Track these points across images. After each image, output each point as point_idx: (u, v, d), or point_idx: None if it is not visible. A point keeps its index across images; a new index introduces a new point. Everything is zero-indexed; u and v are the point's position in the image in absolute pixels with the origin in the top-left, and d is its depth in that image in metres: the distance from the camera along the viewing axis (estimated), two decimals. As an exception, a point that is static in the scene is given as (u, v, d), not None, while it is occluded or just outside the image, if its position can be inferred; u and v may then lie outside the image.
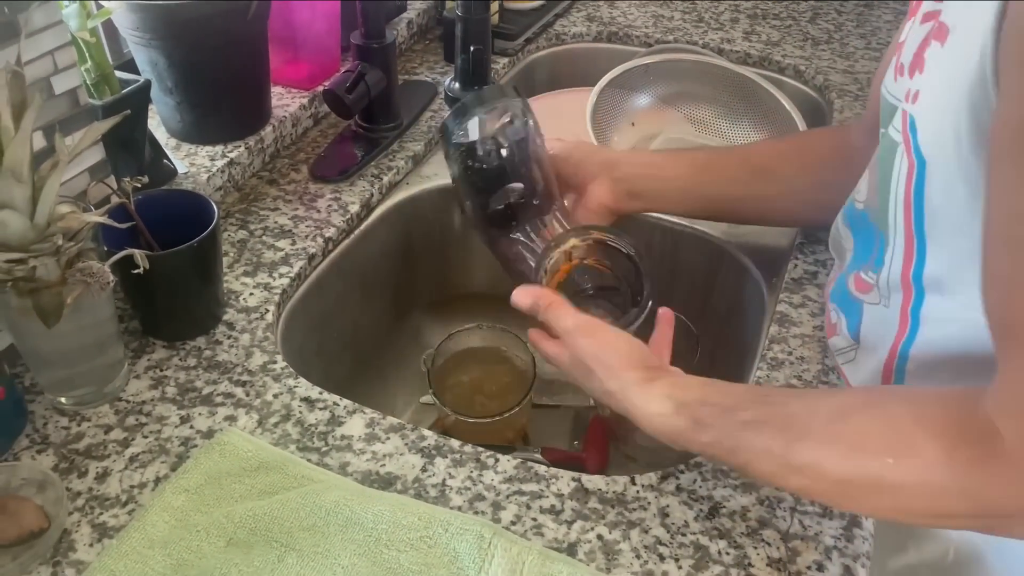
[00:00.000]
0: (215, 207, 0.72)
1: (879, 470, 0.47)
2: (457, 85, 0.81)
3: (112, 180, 0.75)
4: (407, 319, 1.06)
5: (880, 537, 0.70)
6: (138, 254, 0.63)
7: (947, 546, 0.66)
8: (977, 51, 0.47)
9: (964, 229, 0.52)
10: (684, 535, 0.60)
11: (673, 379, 0.59)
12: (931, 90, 0.53)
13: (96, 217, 0.61)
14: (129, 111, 0.66)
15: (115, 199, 0.69)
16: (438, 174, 1.00)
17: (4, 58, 0.63)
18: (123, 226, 0.64)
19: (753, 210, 0.81)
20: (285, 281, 0.81)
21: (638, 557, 0.59)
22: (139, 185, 0.69)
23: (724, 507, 0.62)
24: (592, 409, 0.98)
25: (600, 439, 0.94)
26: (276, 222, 0.89)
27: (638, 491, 0.63)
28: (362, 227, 0.93)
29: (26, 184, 0.56)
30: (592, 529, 0.61)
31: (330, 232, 0.88)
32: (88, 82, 0.77)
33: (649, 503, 0.63)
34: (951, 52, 0.51)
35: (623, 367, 0.59)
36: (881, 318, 0.62)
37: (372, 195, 0.94)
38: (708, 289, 0.96)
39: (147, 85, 0.81)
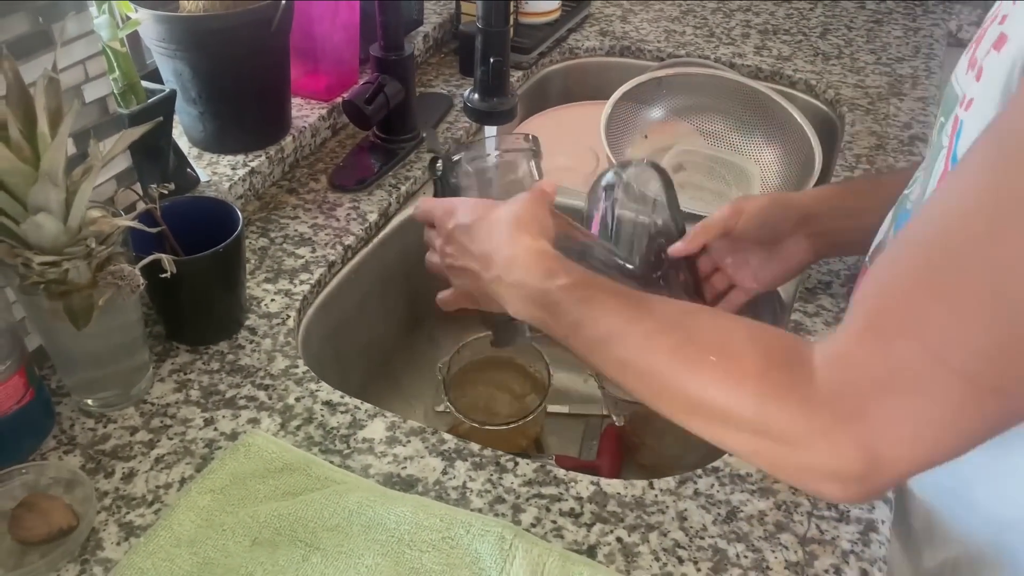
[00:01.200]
0: (239, 214, 0.73)
1: (699, 363, 0.50)
2: (476, 96, 0.83)
3: (138, 187, 0.77)
4: (423, 327, 1.07)
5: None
6: (165, 259, 0.64)
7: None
8: (1010, 60, 0.47)
9: None
10: (702, 538, 0.61)
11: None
12: (979, 99, 0.52)
13: (127, 221, 0.62)
14: (161, 118, 0.67)
15: (141, 205, 0.70)
16: (454, 184, 1.01)
17: (39, 66, 0.65)
18: (153, 230, 0.66)
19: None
20: (305, 288, 0.83)
21: (657, 559, 0.60)
22: (165, 192, 0.70)
23: (741, 511, 0.63)
24: (606, 418, 0.99)
25: (614, 447, 0.95)
26: (296, 230, 0.90)
27: (656, 495, 0.64)
28: (380, 236, 0.94)
29: (61, 188, 0.57)
30: (611, 532, 0.61)
31: (349, 240, 0.89)
32: (116, 91, 0.78)
33: (667, 507, 0.63)
34: (1000, 62, 0.50)
35: (505, 215, 0.63)
36: None
37: (390, 204, 0.95)
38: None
39: (172, 95, 0.82)
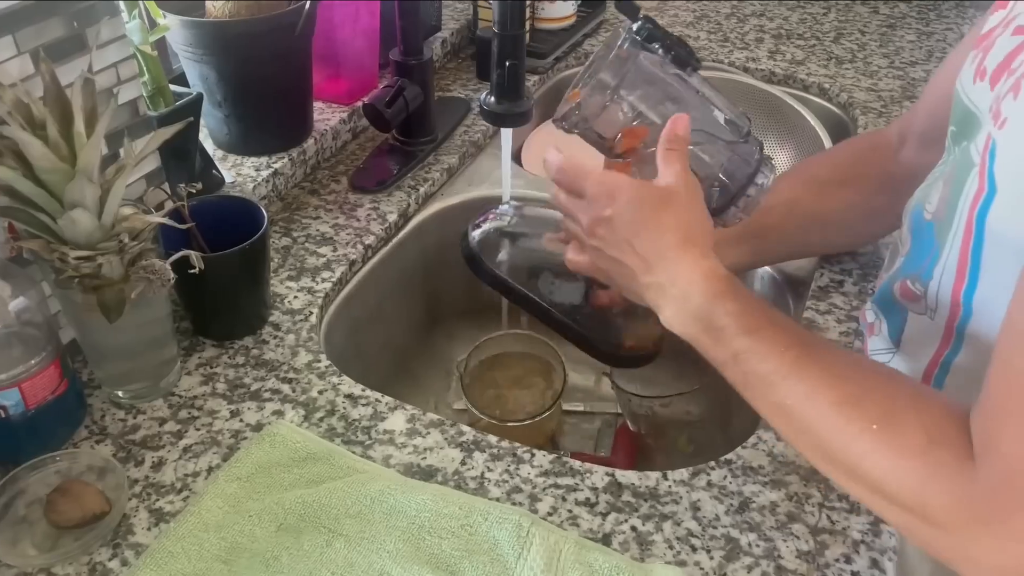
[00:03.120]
0: (264, 213, 0.75)
1: (859, 429, 0.49)
2: (493, 99, 0.85)
3: (167, 187, 0.79)
4: (441, 325, 1.09)
5: None
6: (194, 255, 0.67)
7: None
8: None
9: (1020, 259, 0.51)
10: (715, 528, 0.63)
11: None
12: (1017, 119, 0.52)
13: (158, 218, 0.65)
14: (192, 118, 0.69)
15: (170, 204, 0.73)
16: (472, 185, 1.04)
17: (74, 69, 0.67)
18: (182, 227, 0.68)
19: (806, 253, 0.89)
20: (327, 285, 0.85)
21: (671, 548, 0.61)
22: (194, 191, 0.72)
23: (754, 502, 0.64)
24: (620, 416, 1.00)
25: (628, 445, 0.96)
26: (318, 230, 0.92)
27: (670, 486, 0.66)
28: (399, 236, 0.96)
29: (96, 185, 0.59)
30: (626, 521, 0.63)
31: (369, 240, 0.91)
32: (145, 95, 0.81)
33: (681, 497, 0.65)
34: None
35: (675, 223, 0.59)
36: (925, 329, 0.63)
37: (409, 205, 0.98)
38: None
39: (199, 98, 0.85)
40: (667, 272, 0.59)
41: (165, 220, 0.65)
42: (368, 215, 0.95)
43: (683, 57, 0.64)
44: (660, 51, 0.64)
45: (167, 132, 0.63)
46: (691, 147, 0.63)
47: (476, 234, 0.76)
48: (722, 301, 0.56)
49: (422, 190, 1.00)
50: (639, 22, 0.64)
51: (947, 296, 0.60)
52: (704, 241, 0.60)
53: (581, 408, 1.03)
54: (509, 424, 0.89)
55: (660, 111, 0.64)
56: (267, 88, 0.92)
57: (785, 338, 0.54)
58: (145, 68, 0.80)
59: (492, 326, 1.01)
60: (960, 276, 0.59)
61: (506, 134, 0.87)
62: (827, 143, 1.09)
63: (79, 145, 0.59)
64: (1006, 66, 0.56)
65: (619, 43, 0.63)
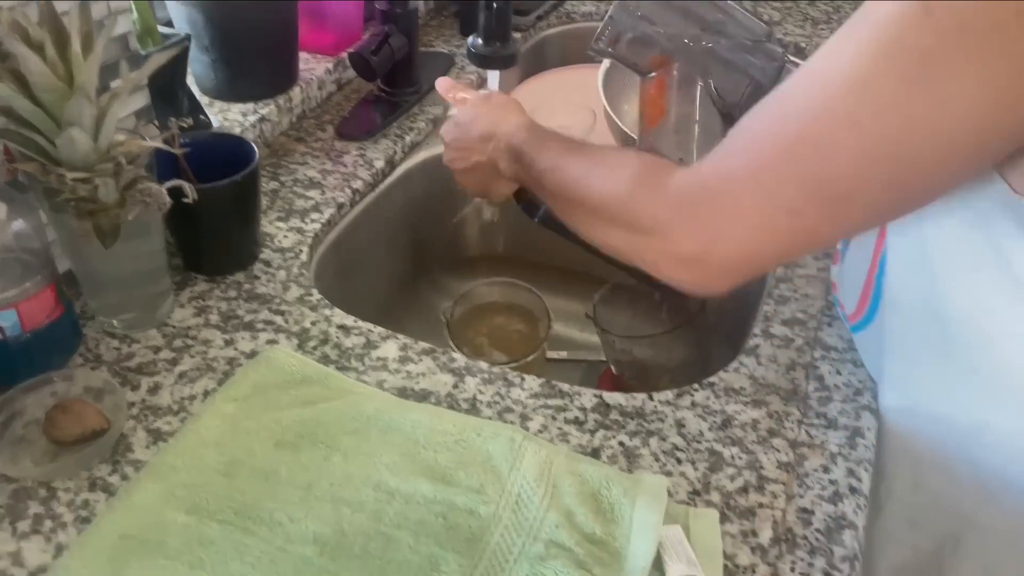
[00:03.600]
0: (255, 148, 0.76)
1: (591, 174, 0.64)
2: (480, 41, 0.86)
3: (157, 123, 0.79)
4: (427, 274, 1.11)
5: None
6: (187, 185, 0.68)
7: None
8: None
9: None
10: (699, 443, 0.65)
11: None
12: None
13: (153, 143, 0.65)
14: (188, 42, 0.70)
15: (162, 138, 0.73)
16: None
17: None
18: (178, 151, 0.68)
19: None
20: (317, 226, 0.86)
21: (657, 460, 0.63)
22: (185, 126, 0.73)
23: (736, 420, 0.67)
24: (604, 363, 1.03)
25: (611, 388, 0.99)
26: (305, 175, 0.93)
27: (656, 406, 0.68)
28: (387, 182, 0.97)
29: (94, 104, 0.60)
30: (614, 437, 0.65)
31: (357, 184, 0.92)
32: (135, 31, 0.81)
33: (666, 416, 0.67)
34: None
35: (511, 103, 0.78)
36: (859, 237, 0.68)
37: (396, 153, 0.99)
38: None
39: (188, 38, 0.85)
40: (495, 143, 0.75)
41: (160, 144, 0.66)
42: (355, 161, 0.96)
43: None
44: None
45: (163, 57, 0.64)
46: (721, 52, 0.77)
47: None
48: (523, 158, 0.71)
49: (408, 139, 1.01)
50: None
51: None
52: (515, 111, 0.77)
53: (564, 356, 1.05)
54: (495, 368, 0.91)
55: (681, 32, 0.71)
56: (255, 33, 0.93)
57: (558, 145, 0.70)
58: (133, 7, 0.80)
59: (478, 275, 1.02)
60: None
61: (492, 76, 0.88)
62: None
63: (76, 66, 0.60)
64: None
65: None
